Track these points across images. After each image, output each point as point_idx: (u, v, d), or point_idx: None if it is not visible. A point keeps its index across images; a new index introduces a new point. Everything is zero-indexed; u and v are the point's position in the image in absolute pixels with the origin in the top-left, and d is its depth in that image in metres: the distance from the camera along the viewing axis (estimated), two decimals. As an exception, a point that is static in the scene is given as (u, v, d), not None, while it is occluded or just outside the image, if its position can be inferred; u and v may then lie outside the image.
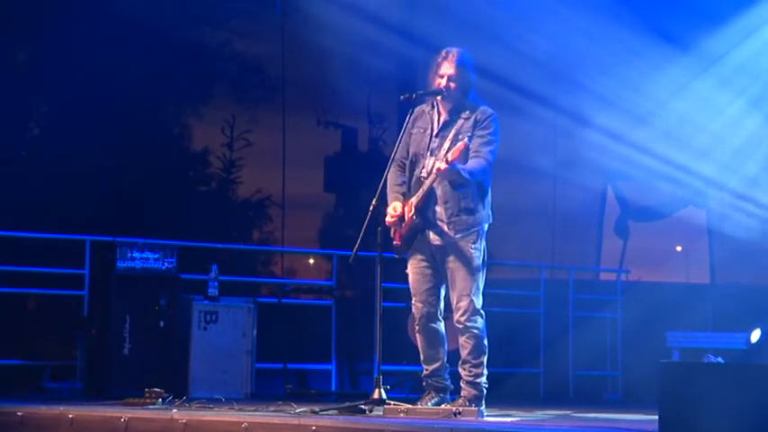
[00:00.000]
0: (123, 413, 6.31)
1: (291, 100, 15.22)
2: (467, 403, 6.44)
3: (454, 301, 6.56)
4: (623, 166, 13.11)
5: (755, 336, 9.99)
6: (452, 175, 6.38)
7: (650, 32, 11.83)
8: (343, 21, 12.45)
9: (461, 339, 6.58)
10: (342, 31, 12.54)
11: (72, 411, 6.53)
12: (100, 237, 9.48)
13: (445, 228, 6.54)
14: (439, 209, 6.56)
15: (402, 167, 6.76)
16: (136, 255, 8.75)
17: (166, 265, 8.83)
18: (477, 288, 6.55)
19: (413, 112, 6.76)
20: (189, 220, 14.77)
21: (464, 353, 6.57)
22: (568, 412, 7.40)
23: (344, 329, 10.52)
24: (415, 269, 6.70)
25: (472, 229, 6.56)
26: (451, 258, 6.56)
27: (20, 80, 14.01)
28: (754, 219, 12.25)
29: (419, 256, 6.68)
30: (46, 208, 13.36)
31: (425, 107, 6.76)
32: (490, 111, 6.62)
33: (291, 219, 15.75)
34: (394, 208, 6.66)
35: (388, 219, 6.65)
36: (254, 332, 9.19)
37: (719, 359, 8.13)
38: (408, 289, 8.99)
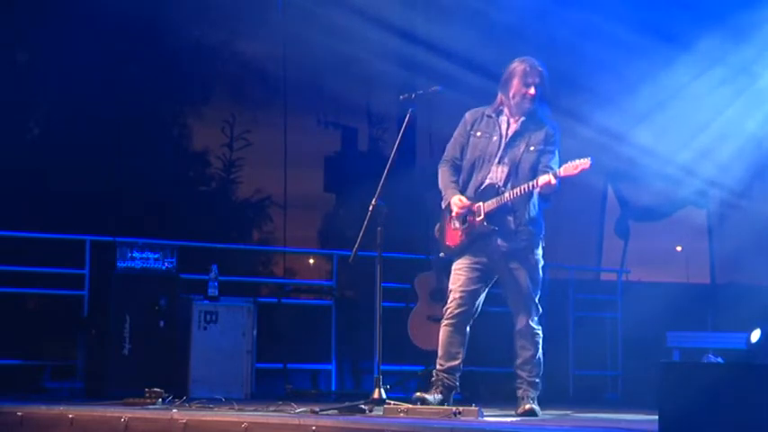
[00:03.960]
0: (123, 413, 6.31)
1: (291, 100, 15.21)
2: (531, 402, 6.69)
3: (520, 306, 6.72)
4: (623, 166, 13.10)
5: (755, 336, 9.98)
6: (552, 190, 6.54)
7: (650, 32, 11.82)
8: (343, 20, 12.44)
9: (524, 342, 6.76)
10: (342, 31, 12.54)
11: (72, 411, 6.53)
12: (100, 237, 9.48)
13: (513, 236, 6.63)
14: (509, 217, 6.64)
15: (455, 167, 6.83)
16: (136, 255, 8.75)
17: (166, 265, 8.84)
18: (539, 292, 6.75)
19: (481, 115, 6.80)
20: (189, 220, 14.76)
21: (527, 354, 6.76)
22: (568, 412, 7.39)
23: (346, 329, 10.52)
24: (466, 268, 6.77)
25: (536, 238, 6.73)
26: (517, 265, 6.71)
27: (20, 80, 14.00)
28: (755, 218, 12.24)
29: (474, 258, 6.76)
30: (46, 208, 13.35)
31: (485, 111, 6.81)
32: (557, 125, 6.80)
33: (291, 219, 15.74)
34: (460, 200, 6.72)
35: (456, 210, 6.70)
36: (254, 332, 9.19)
37: (719, 359, 8.13)
38: (409, 289, 8.99)
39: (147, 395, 7.10)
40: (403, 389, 9.41)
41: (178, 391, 7.68)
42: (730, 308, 11.29)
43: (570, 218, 14.59)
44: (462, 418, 6.01)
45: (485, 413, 6.38)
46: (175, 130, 16.79)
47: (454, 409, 6.13)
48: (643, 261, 15.06)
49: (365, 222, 6.56)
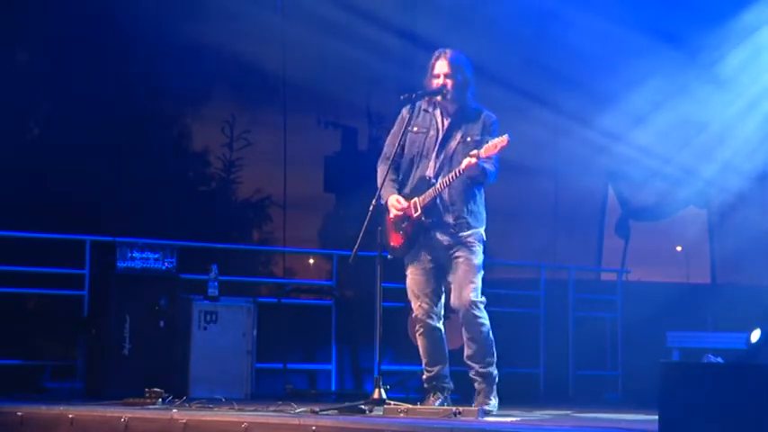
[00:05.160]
0: (123, 413, 6.32)
1: (291, 100, 15.21)
2: (489, 395, 6.59)
3: (462, 295, 6.58)
4: (623, 166, 13.11)
5: (755, 336, 9.98)
6: (477, 171, 6.43)
7: (650, 32, 11.83)
8: (343, 20, 12.45)
9: (470, 332, 6.63)
10: (342, 31, 12.55)
11: (72, 411, 6.54)
12: (100, 237, 9.48)
13: (451, 229, 6.59)
14: (445, 211, 6.60)
15: (394, 165, 6.75)
16: (136, 255, 8.76)
17: (166, 265, 8.84)
18: (478, 280, 6.60)
19: (412, 109, 6.75)
20: (189, 220, 14.76)
21: (475, 345, 6.63)
22: (568, 412, 7.39)
23: (346, 329, 10.52)
24: (417, 271, 6.73)
25: (476, 231, 6.64)
26: (457, 255, 6.63)
27: (20, 80, 14.00)
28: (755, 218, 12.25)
29: (421, 258, 6.70)
30: (46, 208, 13.35)
31: (422, 105, 6.76)
32: (494, 116, 6.69)
33: (291, 219, 15.74)
34: (397, 200, 6.65)
35: (393, 212, 6.65)
36: (254, 332, 9.20)
37: (719, 359, 8.13)
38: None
39: (147, 395, 7.10)
40: (403, 389, 9.41)
41: (178, 391, 7.68)
42: (730, 308, 11.29)
43: (570, 218, 14.61)
44: (462, 418, 6.01)
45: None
46: (175, 130, 16.78)
47: (454, 409, 6.12)
48: (643, 261, 15.07)
49: (365, 222, 6.55)
